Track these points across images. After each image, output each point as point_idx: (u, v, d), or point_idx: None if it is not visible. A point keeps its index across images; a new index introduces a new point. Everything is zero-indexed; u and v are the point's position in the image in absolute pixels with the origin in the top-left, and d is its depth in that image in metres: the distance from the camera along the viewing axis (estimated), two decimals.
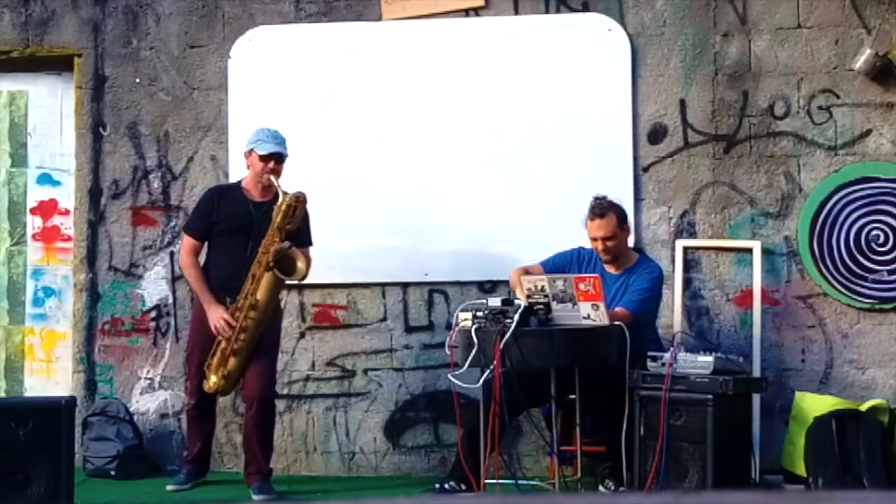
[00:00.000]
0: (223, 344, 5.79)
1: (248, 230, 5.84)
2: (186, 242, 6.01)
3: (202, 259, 6.02)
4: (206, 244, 6.00)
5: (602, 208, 5.81)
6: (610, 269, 5.87)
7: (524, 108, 6.52)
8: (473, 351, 5.30)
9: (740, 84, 6.44)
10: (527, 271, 5.77)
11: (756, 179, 6.41)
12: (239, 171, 6.23)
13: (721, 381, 5.29)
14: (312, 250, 5.99)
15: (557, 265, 5.88)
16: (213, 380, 5.84)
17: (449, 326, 6.20)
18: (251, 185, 5.96)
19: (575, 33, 6.52)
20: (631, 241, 6.03)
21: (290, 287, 6.44)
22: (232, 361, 5.81)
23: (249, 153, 5.91)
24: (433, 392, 6.51)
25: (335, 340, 6.59)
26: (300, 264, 5.78)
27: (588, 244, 5.89)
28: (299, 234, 5.88)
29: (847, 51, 6.37)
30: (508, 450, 6.22)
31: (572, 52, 6.51)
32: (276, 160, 5.85)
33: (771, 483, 5.89)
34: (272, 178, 5.82)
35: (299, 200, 5.79)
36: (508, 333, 5.25)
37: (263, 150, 5.85)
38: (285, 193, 5.78)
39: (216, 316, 5.79)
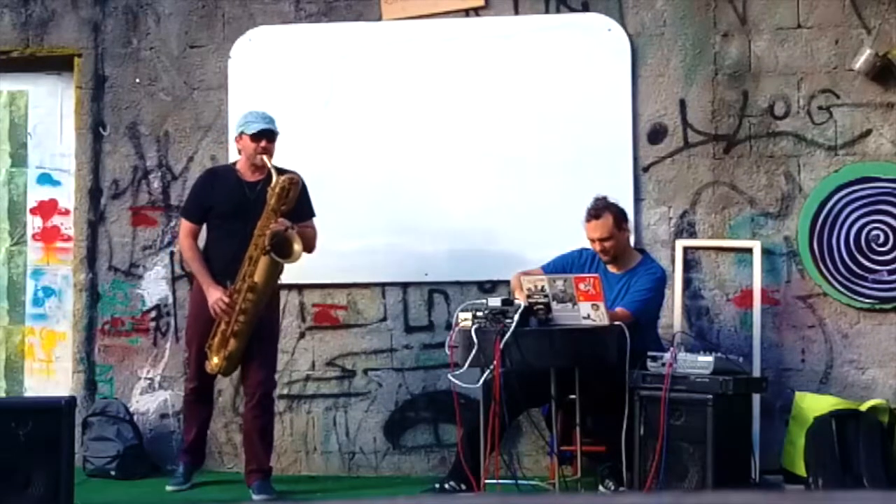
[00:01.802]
0: (223, 325, 5.80)
1: (246, 211, 5.84)
2: (185, 226, 6.03)
3: (201, 243, 6.02)
4: (203, 227, 6.01)
5: (598, 209, 5.80)
6: (612, 269, 5.86)
7: (524, 108, 6.51)
8: (473, 351, 5.30)
9: (740, 84, 6.43)
10: (527, 275, 5.75)
11: (756, 179, 6.41)
12: None
13: (721, 381, 5.28)
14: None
15: (558, 268, 5.86)
16: (214, 360, 5.85)
17: (449, 326, 6.20)
18: (244, 166, 5.96)
19: (575, 33, 6.52)
20: (631, 242, 6.02)
21: (290, 287, 6.45)
22: (233, 343, 5.81)
23: (240, 136, 5.92)
24: (433, 392, 6.50)
25: (335, 340, 6.59)
26: (296, 247, 5.76)
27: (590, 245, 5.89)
28: (300, 208, 5.88)
29: (847, 51, 6.36)
30: (508, 450, 6.22)
31: (572, 52, 6.51)
32: (267, 138, 5.85)
33: (771, 483, 5.89)
34: (265, 157, 5.82)
35: (293, 182, 5.78)
36: (508, 333, 5.25)
37: (253, 129, 5.85)
38: (279, 174, 5.77)
39: (214, 298, 5.80)
